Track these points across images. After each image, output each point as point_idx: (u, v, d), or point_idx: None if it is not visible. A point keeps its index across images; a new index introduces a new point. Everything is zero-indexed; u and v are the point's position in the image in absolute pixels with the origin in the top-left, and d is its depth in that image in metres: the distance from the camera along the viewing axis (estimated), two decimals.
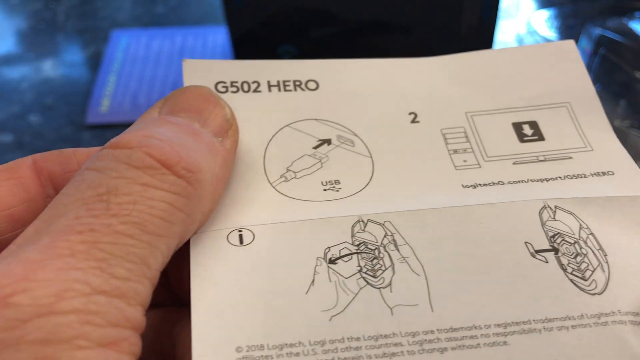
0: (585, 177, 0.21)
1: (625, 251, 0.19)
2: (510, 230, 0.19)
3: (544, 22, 0.49)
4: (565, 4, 0.53)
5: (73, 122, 0.47)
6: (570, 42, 0.23)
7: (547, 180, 0.21)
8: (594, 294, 0.18)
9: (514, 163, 0.21)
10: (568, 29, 0.49)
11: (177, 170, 0.17)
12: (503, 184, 0.21)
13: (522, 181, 0.21)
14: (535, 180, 0.21)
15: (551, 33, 0.48)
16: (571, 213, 0.20)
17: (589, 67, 0.45)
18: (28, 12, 0.57)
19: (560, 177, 0.21)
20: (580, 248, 0.19)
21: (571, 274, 0.19)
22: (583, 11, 0.49)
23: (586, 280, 0.18)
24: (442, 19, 0.42)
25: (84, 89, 0.49)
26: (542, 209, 0.20)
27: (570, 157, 0.21)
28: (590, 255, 0.19)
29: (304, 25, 0.43)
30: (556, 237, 0.19)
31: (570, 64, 0.23)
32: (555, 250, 0.19)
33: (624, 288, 0.18)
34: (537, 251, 0.19)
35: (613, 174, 0.21)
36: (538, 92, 0.22)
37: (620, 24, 0.46)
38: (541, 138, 0.21)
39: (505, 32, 0.51)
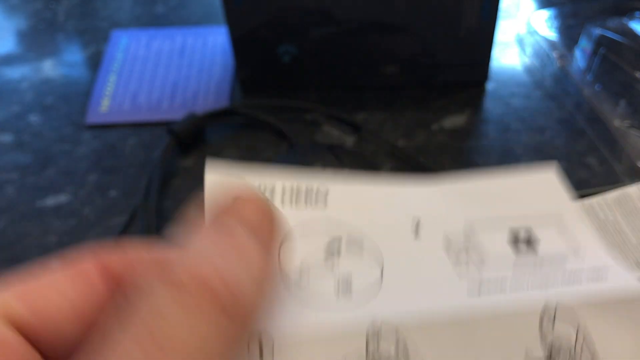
0: (580, 280, 0.21)
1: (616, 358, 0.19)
2: (511, 342, 0.20)
3: (544, 22, 0.49)
4: (565, 4, 0.53)
5: (73, 122, 0.47)
6: (551, 168, 0.24)
7: (546, 285, 0.21)
8: None
9: (513, 269, 0.21)
10: (568, 29, 0.49)
11: (230, 311, 0.17)
12: (504, 290, 0.21)
13: (521, 287, 0.21)
14: (534, 286, 0.21)
15: (551, 33, 0.48)
16: (569, 317, 0.20)
17: (589, 67, 0.46)
18: (28, 12, 0.57)
19: (557, 281, 0.21)
20: (576, 356, 0.19)
21: None
22: (583, 11, 0.50)
23: None
24: (442, 19, 0.42)
25: (84, 89, 0.49)
26: (542, 315, 0.20)
27: (565, 261, 0.22)
28: None
29: (304, 26, 0.43)
30: (554, 345, 0.20)
31: (554, 188, 0.24)
32: None
33: None
34: None
35: (606, 277, 0.21)
36: (530, 205, 0.23)
37: (620, 23, 0.46)
38: (536, 244, 0.22)
39: (505, 32, 0.51)
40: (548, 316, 0.20)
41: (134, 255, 0.21)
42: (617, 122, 0.42)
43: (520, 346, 0.19)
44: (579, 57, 0.47)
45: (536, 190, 0.24)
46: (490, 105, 0.45)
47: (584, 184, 0.40)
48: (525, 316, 0.20)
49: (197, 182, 0.46)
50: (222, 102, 0.47)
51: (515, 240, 0.22)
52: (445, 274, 0.22)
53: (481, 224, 0.23)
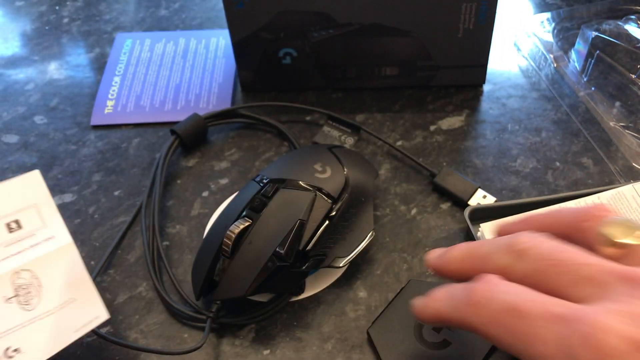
0: (39, 244, 0.31)
1: None
2: None
3: (540, 24, 0.50)
4: (561, 7, 0.53)
5: (78, 123, 0.47)
6: (34, 174, 0.33)
7: (17, 253, 0.31)
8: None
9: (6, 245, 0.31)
10: (564, 32, 0.49)
11: None
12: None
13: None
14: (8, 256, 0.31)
15: (547, 35, 0.49)
16: (28, 270, 0.31)
17: (585, 69, 0.46)
18: (33, 14, 0.58)
19: (26, 249, 0.31)
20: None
21: None
22: (579, 14, 0.50)
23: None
24: (440, 22, 0.43)
25: (89, 91, 0.50)
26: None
27: (36, 233, 0.32)
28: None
29: (304, 28, 0.44)
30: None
31: (36, 186, 0.33)
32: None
33: None
34: None
35: (54, 237, 0.32)
36: (17, 202, 0.32)
37: (615, 26, 0.47)
38: (22, 225, 0.32)
39: (502, 34, 0.52)
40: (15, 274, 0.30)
41: None
42: (612, 123, 0.43)
43: None
44: (575, 59, 0.47)
45: (21, 190, 0.32)
46: (487, 106, 0.46)
47: (580, 183, 0.41)
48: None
49: (199, 182, 0.46)
50: (224, 104, 0.48)
51: (9, 227, 0.32)
52: None
53: None
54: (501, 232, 0.28)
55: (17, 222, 0.32)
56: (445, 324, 0.26)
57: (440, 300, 0.26)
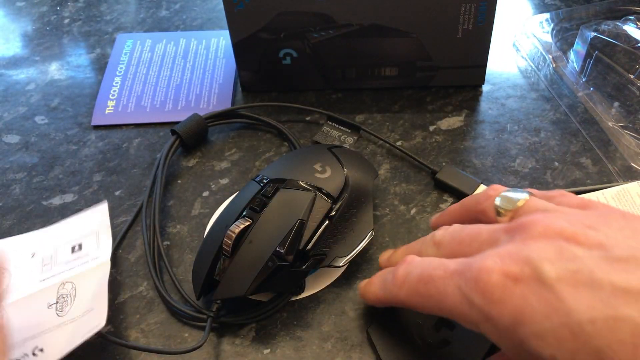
0: (88, 262, 0.36)
1: None
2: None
3: (539, 25, 0.50)
4: (560, 8, 0.54)
5: (79, 123, 0.48)
6: (103, 205, 0.39)
7: (70, 269, 0.36)
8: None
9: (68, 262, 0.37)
10: (563, 32, 0.50)
11: None
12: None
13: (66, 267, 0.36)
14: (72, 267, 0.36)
15: (546, 36, 0.49)
16: (71, 282, 0.35)
17: (584, 70, 0.46)
18: (34, 15, 0.58)
19: (77, 266, 0.36)
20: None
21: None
22: (578, 14, 0.50)
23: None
24: (439, 22, 0.43)
25: (90, 91, 0.50)
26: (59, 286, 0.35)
27: (88, 254, 0.36)
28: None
29: (304, 29, 0.44)
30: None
31: (101, 216, 0.39)
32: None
33: None
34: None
35: (99, 257, 0.36)
36: (83, 229, 0.38)
37: (614, 27, 0.47)
38: (82, 247, 0.37)
39: (502, 35, 0.52)
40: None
41: None
42: (610, 123, 0.43)
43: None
44: (574, 60, 0.47)
45: (89, 219, 0.38)
46: (487, 106, 0.46)
47: (579, 183, 0.41)
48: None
49: (200, 181, 0.46)
50: (225, 104, 0.48)
51: (73, 249, 0.37)
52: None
53: (55, 248, 0.37)
54: (432, 222, 0.35)
55: (80, 245, 0.37)
56: (383, 304, 0.31)
57: (375, 284, 0.31)
